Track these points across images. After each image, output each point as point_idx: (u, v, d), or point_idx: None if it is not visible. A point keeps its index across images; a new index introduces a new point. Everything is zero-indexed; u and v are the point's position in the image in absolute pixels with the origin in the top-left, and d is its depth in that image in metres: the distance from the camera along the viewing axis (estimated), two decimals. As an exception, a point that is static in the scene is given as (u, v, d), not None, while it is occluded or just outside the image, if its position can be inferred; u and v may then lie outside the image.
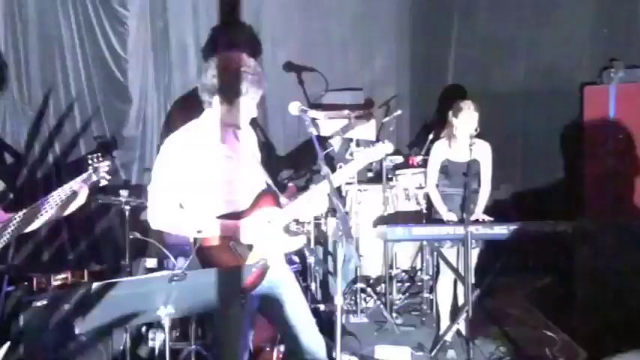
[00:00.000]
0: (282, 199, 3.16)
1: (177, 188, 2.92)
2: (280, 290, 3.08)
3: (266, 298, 3.06)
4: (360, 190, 5.98)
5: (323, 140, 6.19)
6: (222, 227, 2.93)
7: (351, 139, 6.18)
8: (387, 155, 3.51)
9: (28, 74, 5.01)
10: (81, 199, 3.44)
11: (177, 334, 4.53)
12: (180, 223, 2.95)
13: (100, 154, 3.56)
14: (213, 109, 3.01)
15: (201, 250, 2.92)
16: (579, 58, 6.45)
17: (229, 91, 2.94)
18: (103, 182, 3.57)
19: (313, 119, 3.07)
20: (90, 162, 3.53)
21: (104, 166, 3.57)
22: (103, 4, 5.39)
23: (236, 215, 2.98)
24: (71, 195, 3.38)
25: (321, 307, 5.24)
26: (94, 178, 3.51)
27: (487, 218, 4.92)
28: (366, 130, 6.47)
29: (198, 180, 2.94)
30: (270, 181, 3.16)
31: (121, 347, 4.28)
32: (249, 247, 2.95)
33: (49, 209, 3.29)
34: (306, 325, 3.07)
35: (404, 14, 7.30)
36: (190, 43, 6.26)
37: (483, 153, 5.10)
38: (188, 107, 5.98)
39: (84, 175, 3.47)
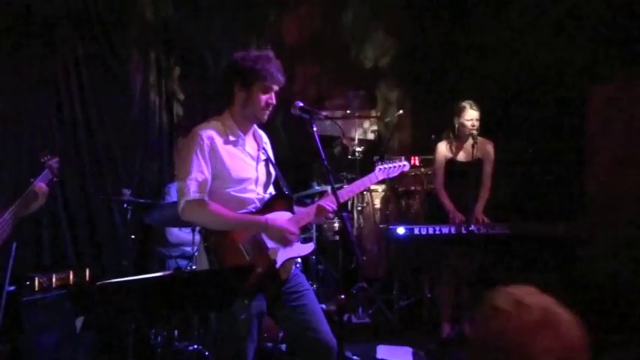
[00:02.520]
0: (295, 206, 3.18)
1: (209, 177, 2.93)
2: (290, 292, 3.06)
3: (275, 299, 3.04)
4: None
5: (325, 140, 6.21)
6: (251, 221, 2.94)
7: (352, 139, 6.20)
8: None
9: (29, 72, 5.00)
10: (42, 200, 3.60)
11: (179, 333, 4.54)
12: (212, 215, 2.91)
13: (48, 151, 3.68)
14: (234, 102, 3.03)
15: (210, 249, 2.92)
16: (582, 58, 6.43)
17: (248, 76, 2.96)
18: (55, 179, 3.77)
19: (315, 119, 3.05)
20: (43, 160, 3.67)
21: (55, 162, 3.73)
22: (104, 2, 5.40)
23: (252, 214, 3.00)
24: (32, 195, 3.54)
25: (323, 307, 5.24)
26: (50, 176, 3.68)
27: (485, 219, 4.91)
28: (368, 129, 6.49)
29: (218, 172, 2.95)
30: (285, 188, 3.18)
31: (124, 347, 4.28)
32: (258, 249, 2.95)
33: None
34: (317, 326, 3.03)
35: (407, 15, 7.30)
36: (191, 42, 6.28)
37: (487, 151, 5.11)
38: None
39: (42, 175, 3.63)
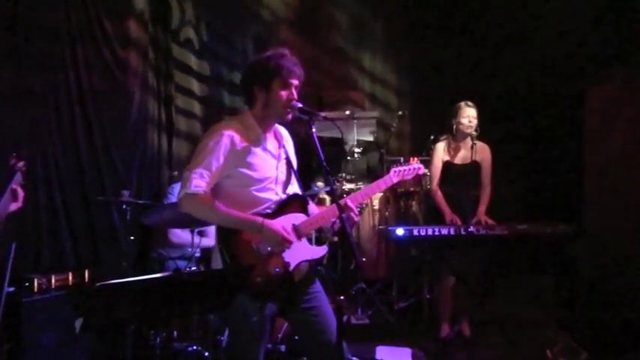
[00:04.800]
0: (310, 208, 3.16)
1: (216, 174, 2.92)
2: (302, 293, 3.05)
3: (288, 301, 3.03)
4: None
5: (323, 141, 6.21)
6: (247, 221, 2.91)
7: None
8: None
9: (28, 73, 4.99)
10: (20, 201, 3.62)
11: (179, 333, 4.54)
12: (210, 210, 2.90)
13: (16, 155, 3.70)
14: (256, 104, 3.02)
15: (224, 248, 2.91)
16: (581, 59, 6.45)
17: (265, 75, 2.96)
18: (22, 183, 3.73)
19: (314, 120, 3.03)
20: (12, 163, 3.70)
21: (22, 166, 3.73)
22: (103, 4, 5.41)
23: (264, 215, 2.98)
24: (10, 197, 3.56)
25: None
26: (21, 179, 3.69)
27: (489, 221, 4.92)
28: (367, 130, 6.49)
29: (238, 171, 2.94)
30: (300, 188, 3.17)
31: (123, 348, 4.28)
32: (272, 251, 2.93)
33: None
34: (327, 328, 3.02)
35: (405, 15, 7.31)
36: (191, 44, 6.30)
37: (483, 154, 5.11)
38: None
39: (18, 177, 3.67)
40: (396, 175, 3.43)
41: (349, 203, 3.07)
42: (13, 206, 3.61)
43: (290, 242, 2.94)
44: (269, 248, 2.91)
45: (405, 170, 3.47)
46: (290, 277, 2.97)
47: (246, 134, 2.98)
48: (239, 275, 2.74)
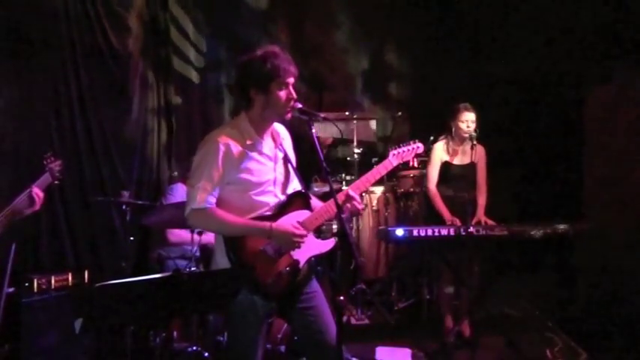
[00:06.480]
0: (314, 202, 3.14)
1: (218, 183, 2.91)
2: (305, 295, 3.05)
3: (288, 301, 3.03)
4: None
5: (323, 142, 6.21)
6: (255, 227, 2.91)
7: (351, 140, 6.20)
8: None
9: (28, 72, 5.00)
10: (37, 205, 3.57)
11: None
12: (218, 222, 2.91)
13: (51, 154, 3.67)
14: (253, 106, 2.99)
15: (232, 252, 2.89)
16: (581, 59, 6.44)
17: (262, 78, 2.92)
18: (56, 182, 3.73)
19: (313, 121, 3.02)
20: (45, 162, 3.63)
21: (57, 165, 3.69)
22: (103, 4, 5.41)
23: (266, 217, 2.97)
24: (26, 200, 3.52)
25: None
26: (50, 179, 3.63)
27: (489, 221, 4.91)
28: (366, 130, 6.49)
29: (235, 178, 2.93)
30: (301, 184, 3.14)
31: (123, 348, 4.29)
32: (280, 251, 2.93)
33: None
34: (324, 328, 3.03)
35: (406, 16, 7.31)
36: (191, 43, 6.30)
37: (480, 155, 5.10)
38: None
39: (41, 179, 3.62)
40: (395, 157, 3.35)
41: (351, 193, 3.06)
42: (29, 210, 3.57)
43: (303, 236, 2.94)
44: (274, 250, 2.90)
45: (403, 151, 3.39)
46: (297, 275, 2.96)
47: (241, 139, 2.96)
48: (242, 275, 2.74)
